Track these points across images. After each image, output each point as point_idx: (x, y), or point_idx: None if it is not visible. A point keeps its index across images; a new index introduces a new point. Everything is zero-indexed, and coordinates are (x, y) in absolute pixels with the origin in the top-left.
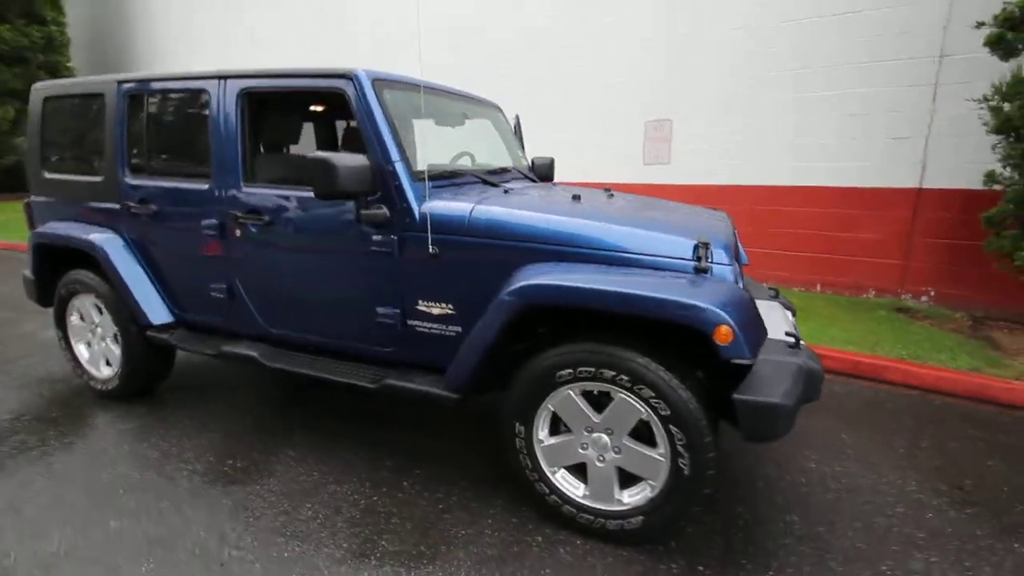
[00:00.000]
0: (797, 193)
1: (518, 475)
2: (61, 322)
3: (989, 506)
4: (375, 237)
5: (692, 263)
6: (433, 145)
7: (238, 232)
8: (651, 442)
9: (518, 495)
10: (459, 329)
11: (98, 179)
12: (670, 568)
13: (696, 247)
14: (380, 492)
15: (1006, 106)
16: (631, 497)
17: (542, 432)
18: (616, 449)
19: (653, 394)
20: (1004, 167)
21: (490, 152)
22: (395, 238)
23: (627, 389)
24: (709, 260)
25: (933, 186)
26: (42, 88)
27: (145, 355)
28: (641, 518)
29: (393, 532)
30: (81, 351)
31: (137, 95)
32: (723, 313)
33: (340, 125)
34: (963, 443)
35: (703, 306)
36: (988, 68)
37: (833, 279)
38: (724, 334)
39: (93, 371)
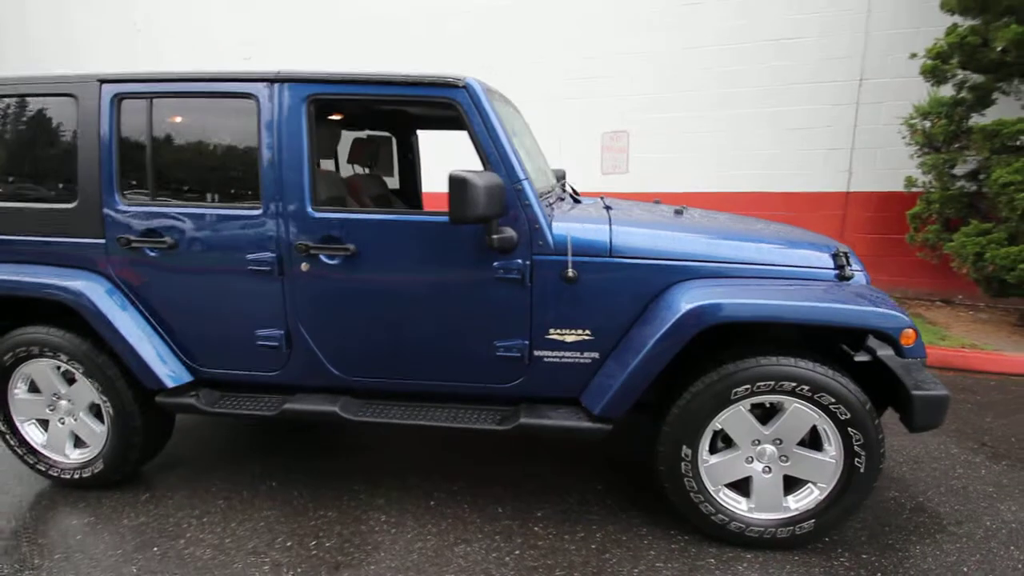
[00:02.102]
0: (747, 198)
1: (681, 498)
2: (1, 398)
3: (1016, 456)
4: (497, 263)
5: (832, 272)
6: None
7: (305, 266)
8: (813, 445)
9: (655, 517)
10: (596, 355)
11: (68, 206)
12: (841, 563)
13: (836, 256)
14: (517, 544)
15: (926, 124)
16: (798, 502)
17: (705, 451)
18: (783, 458)
19: (834, 400)
20: (924, 173)
21: None
22: (525, 263)
23: (806, 399)
24: (851, 268)
25: (858, 189)
26: None
27: (145, 427)
28: (813, 521)
29: None
30: (31, 433)
31: (133, 98)
32: (906, 317)
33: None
34: (959, 405)
35: (896, 313)
36: (898, 91)
37: None
38: (910, 336)
39: (55, 457)
